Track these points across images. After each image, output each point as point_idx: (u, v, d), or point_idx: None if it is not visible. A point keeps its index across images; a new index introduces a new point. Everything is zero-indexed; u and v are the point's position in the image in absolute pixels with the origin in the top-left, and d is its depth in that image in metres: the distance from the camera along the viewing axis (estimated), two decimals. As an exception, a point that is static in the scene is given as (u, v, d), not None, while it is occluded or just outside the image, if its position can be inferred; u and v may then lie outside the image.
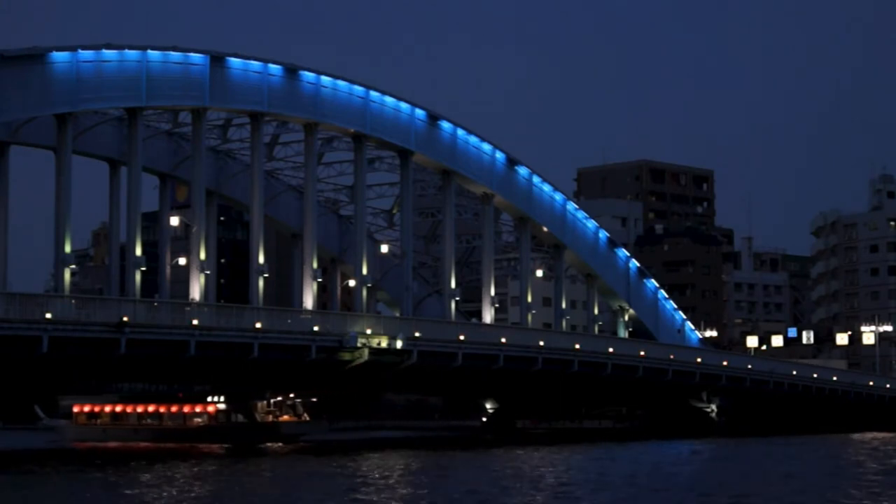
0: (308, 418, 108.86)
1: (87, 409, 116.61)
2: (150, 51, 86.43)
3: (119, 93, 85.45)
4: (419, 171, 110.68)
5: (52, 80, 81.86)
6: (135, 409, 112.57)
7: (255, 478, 63.09)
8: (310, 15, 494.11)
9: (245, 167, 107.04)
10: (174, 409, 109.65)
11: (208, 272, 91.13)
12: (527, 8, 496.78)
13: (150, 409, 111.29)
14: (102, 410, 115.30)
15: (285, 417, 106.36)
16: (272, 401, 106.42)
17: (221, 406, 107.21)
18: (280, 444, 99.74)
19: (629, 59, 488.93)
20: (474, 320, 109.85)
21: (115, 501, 51.14)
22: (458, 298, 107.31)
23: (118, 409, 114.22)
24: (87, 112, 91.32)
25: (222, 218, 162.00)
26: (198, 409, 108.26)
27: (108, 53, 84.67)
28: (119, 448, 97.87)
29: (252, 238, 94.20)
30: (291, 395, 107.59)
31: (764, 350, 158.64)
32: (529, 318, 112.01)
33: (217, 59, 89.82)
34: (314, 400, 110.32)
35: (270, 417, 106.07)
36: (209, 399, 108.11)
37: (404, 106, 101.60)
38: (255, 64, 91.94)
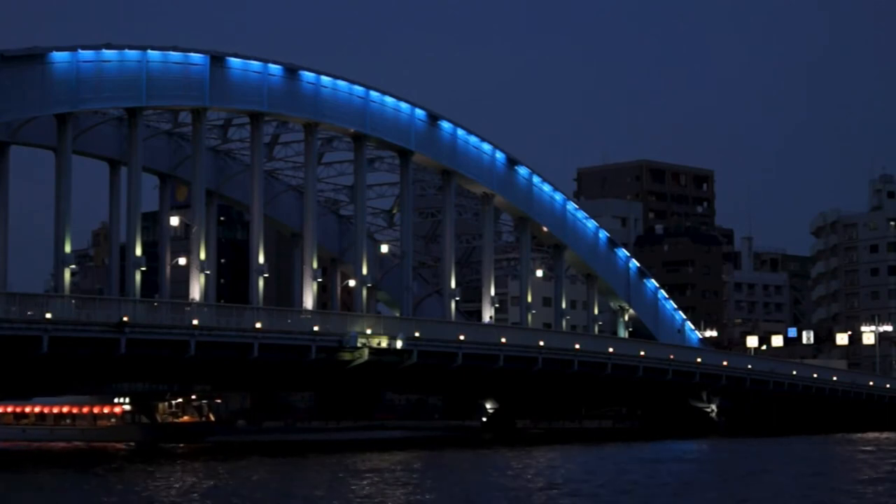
0: (213, 418, 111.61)
1: (10, 409, 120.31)
2: (150, 51, 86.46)
3: (119, 93, 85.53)
4: (419, 171, 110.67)
5: (52, 80, 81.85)
6: (51, 411, 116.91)
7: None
8: (309, 15, 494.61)
9: (245, 167, 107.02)
10: (85, 410, 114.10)
11: (208, 272, 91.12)
12: (527, 7, 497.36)
13: (65, 410, 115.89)
14: (23, 411, 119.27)
15: (186, 418, 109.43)
16: (174, 402, 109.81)
17: (127, 407, 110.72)
18: (182, 444, 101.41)
19: (629, 59, 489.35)
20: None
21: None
22: (458, 298, 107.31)
23: (37, 409, 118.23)
24: (87, 112, 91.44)
25: (222, 218, 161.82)
26: (105, 410, 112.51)
27: (108, 53, 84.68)
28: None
29: (252, 238, 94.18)
30: (194, 396, 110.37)
31: (764, 350, 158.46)
32: (529, 318, 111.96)
33: (217, 59, 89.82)
34: (218, 401, 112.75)
35: (171, 418, 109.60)
36: (116, 400, 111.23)
37: (404, 106, 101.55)
38: (255, 64, 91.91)
